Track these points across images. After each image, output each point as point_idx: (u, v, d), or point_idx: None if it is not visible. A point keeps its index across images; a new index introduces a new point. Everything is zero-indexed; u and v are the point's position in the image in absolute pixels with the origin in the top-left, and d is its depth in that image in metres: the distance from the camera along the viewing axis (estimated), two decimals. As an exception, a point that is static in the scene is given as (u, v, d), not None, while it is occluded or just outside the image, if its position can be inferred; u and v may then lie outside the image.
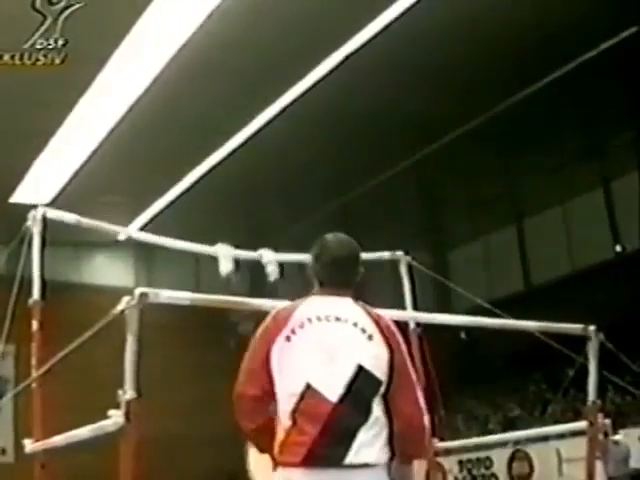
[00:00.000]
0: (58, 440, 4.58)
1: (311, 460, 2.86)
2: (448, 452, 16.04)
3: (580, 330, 5.92)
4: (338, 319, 3.01)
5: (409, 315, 6.56)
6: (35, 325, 5.04)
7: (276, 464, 2.97)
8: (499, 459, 17.39)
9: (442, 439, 7.15)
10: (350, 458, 2.85)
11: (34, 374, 4.85)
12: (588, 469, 6.20)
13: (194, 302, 4.47)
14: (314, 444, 2.85)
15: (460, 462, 18.04)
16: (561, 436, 14.57)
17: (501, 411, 19.55)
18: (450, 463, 17.80)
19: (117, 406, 3.71)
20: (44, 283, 5.17)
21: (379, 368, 2.96)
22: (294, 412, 2.90)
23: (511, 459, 17.15)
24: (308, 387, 2.90)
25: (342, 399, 2.89)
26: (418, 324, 6.54)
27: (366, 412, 2.92)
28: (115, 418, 3.72)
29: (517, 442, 16.64)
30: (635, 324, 16.01)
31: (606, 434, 9.83)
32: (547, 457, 16.21)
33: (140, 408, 3.69)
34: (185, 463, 19.56)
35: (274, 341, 2.98)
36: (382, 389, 2.96)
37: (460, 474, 18.10)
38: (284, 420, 2.92)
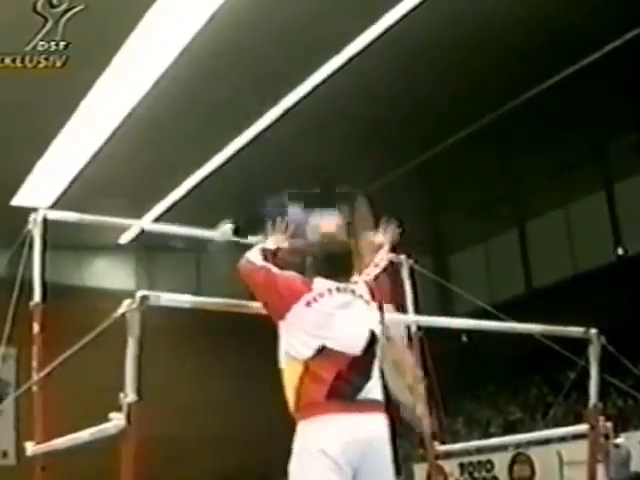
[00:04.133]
0: (59, 443, 4.58)
1: (332, 396, 3.23)
2: (449, 455, 16.04)
3: (581, 333, 5.91)
4: (351, 291, 3.48)
5: (410, 318, 6.55)
6: (36, 328, 5.03)
7: (297, 410, 3.31)
8: (500, 462, 17.37)
9: (443, 442, 7.14)
10: (364, 394, 3.30)
11: (35, 377, 4.85)
12: (589, 472, 6.18)
13: (195, 305, 4.47)
14: (334, 382, 3.24)
15: (461, 465, 18.04)
16: (562, 439, 14.53)
17: (502, 414, 19.55)
18: (451, 466, 17.79)
19: (118, 409, 3.71)
20: (45, 286, 5.17)
21: (378, 329, 3.49)
22: (307, 363, 3.28)
23: (512, 462, 17.12)
24: (323, 347, 3.28)
25: (359, 356, 3.33)
26: (419, 327, 6.54)
27: (372, 361, 3.40)
28: (116, 421, 3.72)
29: (518, 445, 16.61)
30: (637, 327, 16.01)
31: (607, 437, 9.81)
32: (548, 460, 16.19)
33: (141, 411, 3.69)
34: (186, 465, 19.55)
35: (297, 301, 3.36)
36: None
37: (461, 477, 18.09)
38: (296, 368, 3.30)
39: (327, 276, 3.48)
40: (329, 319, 3.33)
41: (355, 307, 3.43)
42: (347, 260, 3.59)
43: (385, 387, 3.47)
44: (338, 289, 3.43)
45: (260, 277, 3.51)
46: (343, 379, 3.25)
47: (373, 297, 3.57)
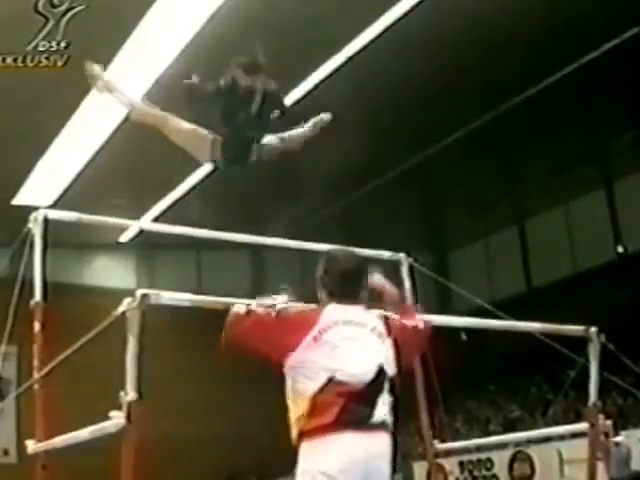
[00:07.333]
0: (60, 441, 4.59)
1: (336, 423, 3.19)
2: (449, 453, 16.03)
3: (581, 331, 5.92)
4: (358, 324, 3.40)
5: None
6: (37, 326, 5.05)
7: (300, 437, 3.24)
8: (500, 460, 17.36)
9: (443, 440, 7.15)
10: (374, 419, 3.26)
11: (36, 375, 4.87)
12: (589, 470, 6.20)
13: (195, 303, 4.48)
14: (338, 414, 3.19)
15: (461, 463, 18.02)
16: (562, 437, 14.54)
17: (502, 412, 19.54)
18: (451, 464, 17.78)
19: (118, 407, 3.73)
20: (46, 285, 5.18)
21: (391, 367, 3.41)
22: (314, 397, 3.23)
23: (512, 460, 17.11)
24: (331, 380, 3.24)
25: (364, 388, 3.28)
26: (419, 325, 6.53)
27: (378, 393, 3.33)
28: (116, 419, 3.74)
29: (518, 443, 16.59)
30: (637, 325, 16.01)
31: (607, 435, 9.83)
32: (548, 458, 16.18)
33: (141, 409, 3.70)
34: (186, 464, 19.56)
35: (304, 337, 3.30)
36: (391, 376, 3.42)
37: (461, 475, 18.08)
38: (302, 404, 3.26)
39: (341, 299, 3.43)
40: (334, 351, 3.29)
41: (363, 340, 3.37)
42: (359, 284, 3.52)
43: (395, 409, 3.41)
44: (344, 322, 3.37)
45: (257, 322, 3.40)
46: (347, 410, 3.22)
47: (389, 334, 3.48)
